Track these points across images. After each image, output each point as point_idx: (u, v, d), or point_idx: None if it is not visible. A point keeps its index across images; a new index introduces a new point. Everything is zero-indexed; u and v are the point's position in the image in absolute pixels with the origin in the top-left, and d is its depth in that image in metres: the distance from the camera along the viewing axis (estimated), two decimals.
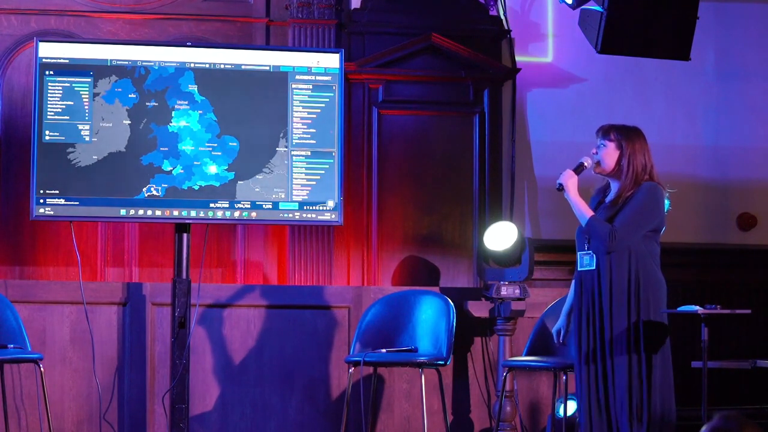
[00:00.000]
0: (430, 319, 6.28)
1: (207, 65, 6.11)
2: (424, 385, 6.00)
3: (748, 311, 5.13)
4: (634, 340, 4.99)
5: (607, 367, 5.01)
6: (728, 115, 7.84)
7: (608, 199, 5.18)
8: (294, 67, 6.17)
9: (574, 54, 7.63)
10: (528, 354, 6.06)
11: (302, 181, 6.13)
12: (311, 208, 6.13)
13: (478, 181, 7.36)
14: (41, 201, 5.92)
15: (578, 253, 5.16)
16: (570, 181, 5.12)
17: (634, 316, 5.00)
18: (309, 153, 6.15)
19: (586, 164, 5.18)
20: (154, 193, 6.00)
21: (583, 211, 5.09)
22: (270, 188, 6.09)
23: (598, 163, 5.17)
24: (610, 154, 5.13)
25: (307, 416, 6.48)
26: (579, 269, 5.15)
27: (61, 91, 5.97)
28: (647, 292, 5.02)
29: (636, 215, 5.04)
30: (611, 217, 5.07)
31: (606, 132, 5.17)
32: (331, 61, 6.20)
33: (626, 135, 5.14)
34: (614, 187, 5.18)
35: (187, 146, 6.04)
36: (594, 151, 5.17)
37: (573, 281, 5.27)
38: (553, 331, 5.40)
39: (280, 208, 6.11)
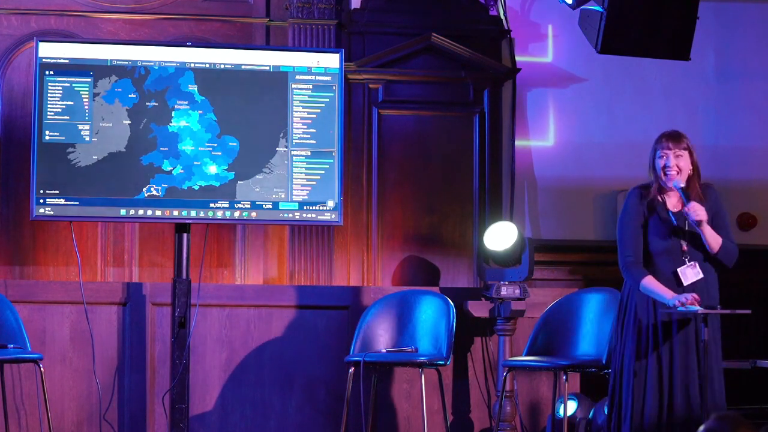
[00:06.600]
0: (430, 319, 6.28)
1: (207, 65, 6.11)
2: (424, 385, 6.00)
3: (748, 311, 5.13)
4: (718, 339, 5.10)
5: (699, 369, 5.00)
6: (728, 115, 7.84)
7: (674, 208, 5.09)
8: (294, 67, 6.18)
9: (574, 54, 7.63)
10: (528, 354, 6.06)
11: (302, 181, 6.13)
12: (311, 208, 6.13)
13: (478, 181, 7.36)
14: (41, 201, 5.92)
15: (679, 270, 5.02)
16: (705, 214, 4.98)
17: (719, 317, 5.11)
18: (309, 153, 6.15)
19: (685, 186, 5.04)
20: (154, 193, 6.00)
21: (716, 238, 5.02)
22: (270, 188, 6.09)
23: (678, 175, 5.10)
24: (688, 162, 5.08)
25: (307, 416, 6.48)
26: (686, 284, 5.01)
27: (61, 91, 5.97)
28: None
29: (729, 224, 5.11)
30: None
31: (679, 140, 5.07)
32: (331, 61, 6.20)
33: (689, 141, 5.11)
34: (672, 194, 5.11)
35: (187, 146, 6.04)
36: (674, 164, 5.02)
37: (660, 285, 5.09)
38: (687, 297, 4.99)
39: (280, 208, 6.11)
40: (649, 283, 5.01)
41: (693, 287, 5.00)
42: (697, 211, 4.95)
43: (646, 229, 5.11)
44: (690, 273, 5.01)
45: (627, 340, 5.13)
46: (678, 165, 5.04)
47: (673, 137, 5.07)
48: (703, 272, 5.03)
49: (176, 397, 5.96)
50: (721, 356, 5.08)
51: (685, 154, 5.05)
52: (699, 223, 4.96)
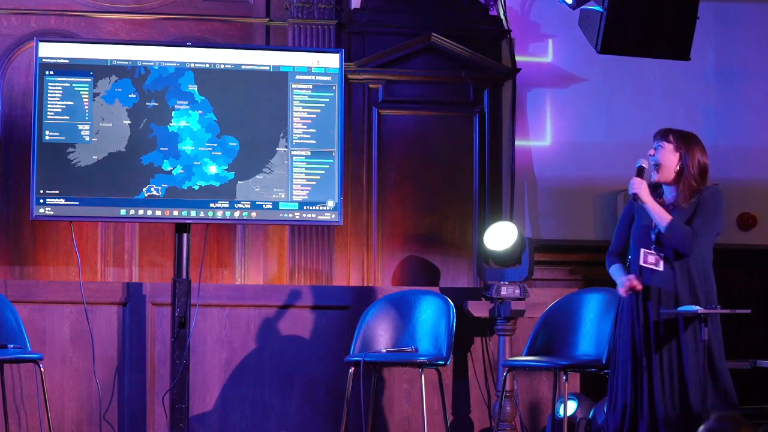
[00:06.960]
0: (430, 319, 6.28)
1: (207, 65, 6.11)
2: (424, 385, 6.00)
3: (748, 311, 5.13)
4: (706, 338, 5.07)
5: (684, 364, 5.00)
6: (728, 115, 7.84)
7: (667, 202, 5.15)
8: (294, 67, 6.18)
9: (574, 54, 7.63)
10: (528, 354, 6.06)
11: (302, 181, 6.13)
12: (311, 208, 6.13)
13: (478, 181, 7.36)
14: (41, 201, 5.92)
15: (642, 250, 5.10)
16: (642, 188, 5.08)
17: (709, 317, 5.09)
18: (309, 153, 6.15)
19: (644, 166, 5.12)
20: (154, 193, 6.00)
21: (662, 215, 5.04)
22: (270, 188, 6.09)
23: (656, 167, 5.12)
24: (668, 156, 5.10)
25: (307, 416, 6.48)
26: (642, 264, 5.10)
27: (61, 91, 5.97)
28: (713, 293, 5.10)
29: (711, 221, 5.08)
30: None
31: (664, 134, 5.14)
32: (331, 61, 6.20)
33: (684, 138, 5.13)
34: (669, 190, 5.14)
35: (187, 146, 6.04)
36: (652, 152, 5.13)
37: (622, 272, 5.19)
38: (625, 279, 5.12)
39: (280, 208, 6.11)
40: (612, 270, 5.25)
41: (660, 282, 5.05)
42: (634, 184, 5.08)
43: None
44: (650, 258, 5.08)
45: (619, 339, 5.17)
46: (658, 156, 5.13)
47: (660, 131, 5.19)
48: (680, 271, 5.04)
49: (176, 397, 5.96)
50: (718, 357, 5.07)
51: (668, 147, 5.12)
52: (635, 196, 5.07)
